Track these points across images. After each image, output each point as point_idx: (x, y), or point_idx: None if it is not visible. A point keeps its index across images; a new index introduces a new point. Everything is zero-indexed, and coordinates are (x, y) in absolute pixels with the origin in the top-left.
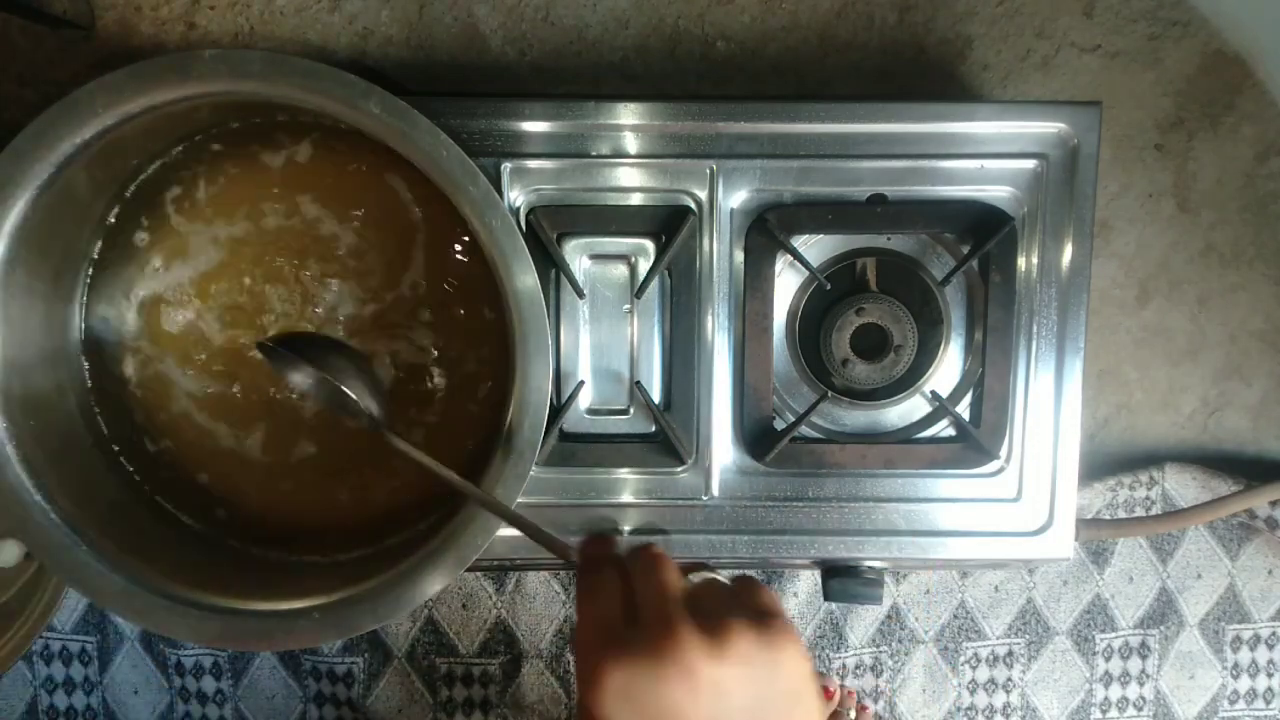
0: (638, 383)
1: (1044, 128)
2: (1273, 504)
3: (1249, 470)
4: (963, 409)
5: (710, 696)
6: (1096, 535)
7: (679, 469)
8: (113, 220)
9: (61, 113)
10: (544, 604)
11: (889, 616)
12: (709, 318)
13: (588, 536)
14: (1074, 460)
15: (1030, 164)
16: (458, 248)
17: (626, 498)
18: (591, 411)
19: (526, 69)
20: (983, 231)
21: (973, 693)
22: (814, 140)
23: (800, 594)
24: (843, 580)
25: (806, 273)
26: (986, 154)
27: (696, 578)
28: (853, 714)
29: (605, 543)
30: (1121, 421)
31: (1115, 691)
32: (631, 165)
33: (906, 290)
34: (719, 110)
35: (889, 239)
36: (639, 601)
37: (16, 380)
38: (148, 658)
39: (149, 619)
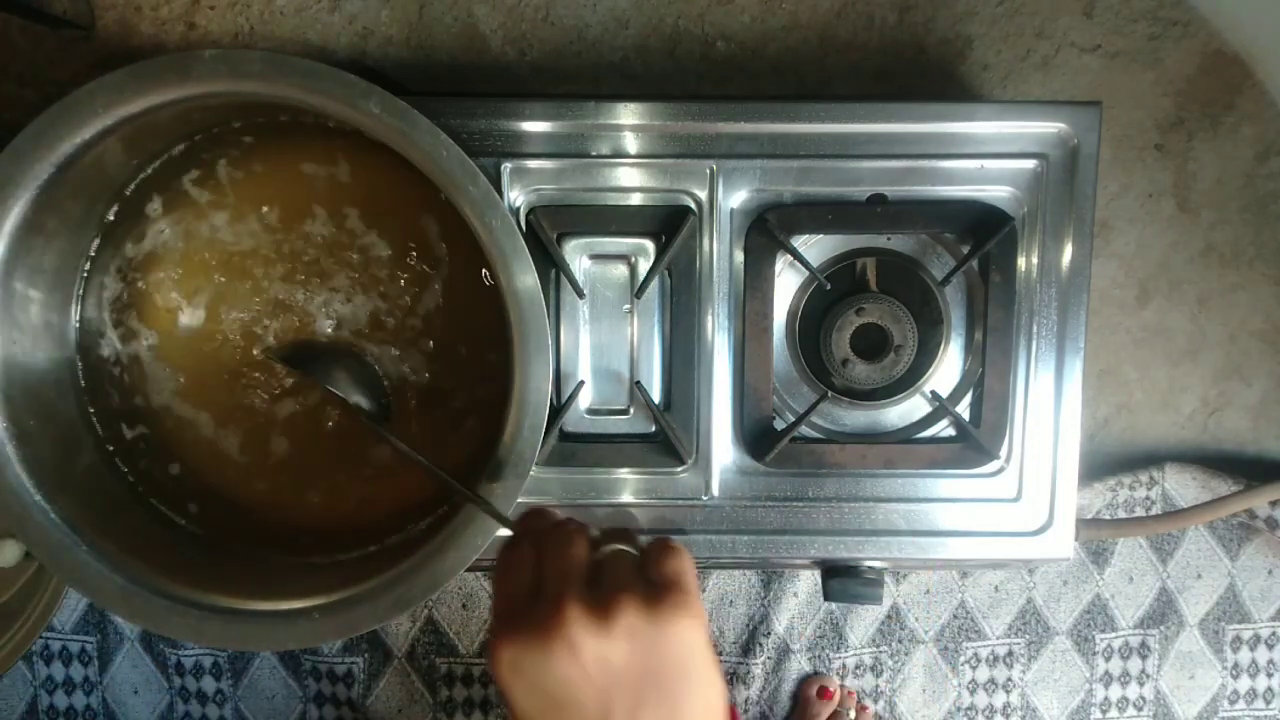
0: (638, 383)
1: (1044, 128)
2: (1273, 504)
3: (1249, 470)
4: (963, 409)
5: (598, 670)
6: (1096, 535)
7: (679, 469)
8: (112, 219)
9: (61, 113)
10: None
11: (889, 616)
12: (709, 318)
13: (528, 509)
14: (1074, 460)
15: (1030, 164)
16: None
17: (626, 498)
18: (591, 411)
19: (526, 69)
20: (983, 231)
21: (973, 693)
22: (814, 140)
23: (800, 594)
24: (843, 580)
25: (806, 273)
26: (986, 154)
27: (607, 549)
28: (853, 714)
29: (536, 516)
30: (1121, 421)
31: (1115, 691)
32: (631, 165)
33: (906, 290)
34: (719, 110)
35: (889, 239)
36: (543, 576)
37: (16, 380)
38: (148, 658)
39: (149, 619)
